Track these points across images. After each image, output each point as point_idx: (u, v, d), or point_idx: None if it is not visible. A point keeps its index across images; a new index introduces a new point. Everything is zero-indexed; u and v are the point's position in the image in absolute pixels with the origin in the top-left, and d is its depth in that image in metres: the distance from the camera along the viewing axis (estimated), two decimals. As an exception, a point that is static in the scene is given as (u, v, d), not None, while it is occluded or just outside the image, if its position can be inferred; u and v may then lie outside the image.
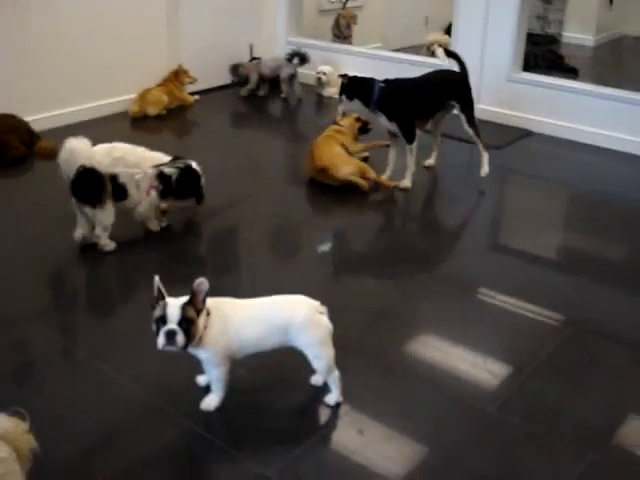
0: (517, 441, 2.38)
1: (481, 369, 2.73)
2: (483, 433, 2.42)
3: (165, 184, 3.61)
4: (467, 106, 4.46)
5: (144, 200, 3.61)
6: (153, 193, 3.61)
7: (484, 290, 3.32)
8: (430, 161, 4.70)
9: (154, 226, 3.74)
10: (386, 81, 4.22)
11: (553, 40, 8.61)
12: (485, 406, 2.52)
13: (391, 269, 3.52)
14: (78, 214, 3.50)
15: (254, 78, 6.17)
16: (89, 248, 3.54)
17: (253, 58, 6.39)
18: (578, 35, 8.88)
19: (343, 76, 4.27)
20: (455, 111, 4.45)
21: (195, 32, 6.10)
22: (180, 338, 2.22)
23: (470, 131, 4.48)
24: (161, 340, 2.23)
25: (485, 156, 4.50)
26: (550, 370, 2.73)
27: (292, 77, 6.11)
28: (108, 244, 3.53)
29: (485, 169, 4.50)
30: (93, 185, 3.40)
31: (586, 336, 2.96)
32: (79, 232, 3.55)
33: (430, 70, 4.65)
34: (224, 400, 2.45)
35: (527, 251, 3.78)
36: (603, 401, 2.58)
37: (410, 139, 4.26)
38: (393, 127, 4.26)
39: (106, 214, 3.47)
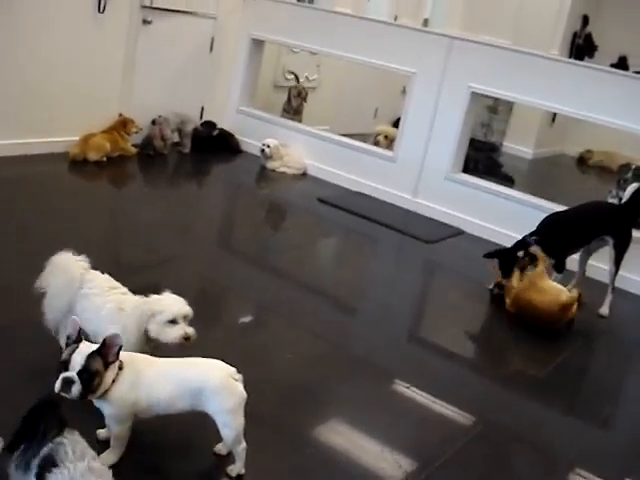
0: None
1: (387, 459, 2.70)
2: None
3: None
4: (621, 243, 4.43)
5: None
6: None
7: (399, 380, 3.30)
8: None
9: None
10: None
11: (494, 148, 8.95)
12: (388, 496, 2.48)
13: (312, 348, 3.49)
14: None
15: (159, 144, 6.10)
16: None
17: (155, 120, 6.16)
18: (518, 147, 9.27)
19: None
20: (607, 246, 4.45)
21: (149, 86, 6.12)
22: (75, 389, 2.12)
23: (613, 269, 4.46)
24: (57, 385, 2.13)
25: (609, 298, 4.49)
26: (456, 467, 2.71)
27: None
28: None
29: (606, 310, 4.47)
30: None
31: (496, 436, 2.98)
32: None
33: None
34: (121, 458, 2.34)
35: (445, 347, 3.81)
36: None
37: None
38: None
39: None
